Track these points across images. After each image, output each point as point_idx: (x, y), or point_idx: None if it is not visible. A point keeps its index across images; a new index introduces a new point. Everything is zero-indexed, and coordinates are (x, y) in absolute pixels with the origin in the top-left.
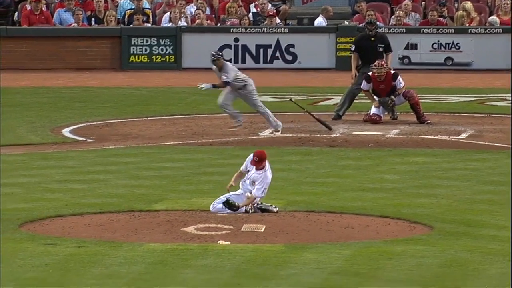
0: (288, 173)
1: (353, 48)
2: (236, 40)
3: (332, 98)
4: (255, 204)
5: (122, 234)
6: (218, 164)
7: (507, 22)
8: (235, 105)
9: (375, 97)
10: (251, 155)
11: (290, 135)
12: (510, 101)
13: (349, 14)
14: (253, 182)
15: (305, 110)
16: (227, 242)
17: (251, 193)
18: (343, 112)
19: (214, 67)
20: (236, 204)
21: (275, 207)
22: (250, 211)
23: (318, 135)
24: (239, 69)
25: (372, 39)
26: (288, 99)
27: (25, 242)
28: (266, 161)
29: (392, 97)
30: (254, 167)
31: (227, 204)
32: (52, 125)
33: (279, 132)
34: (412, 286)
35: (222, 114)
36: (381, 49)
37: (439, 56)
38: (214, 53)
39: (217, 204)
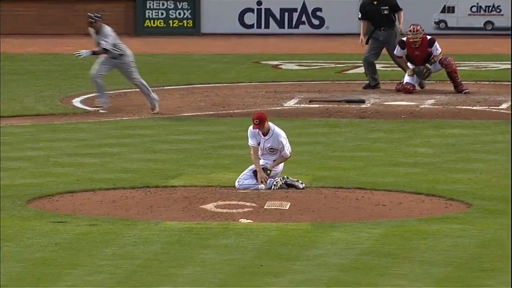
0: (315, 147)
1: (359, 16)
2: (259, 3)
3: (362, 66)
4: (281, 178)
5: (137, 211)
6: (240, 137)
7: None
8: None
9: (409, 64)
10: (250, 126)
11: (317, 105)
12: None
13: None
14: (271, 150)
15: (329, 100)
16: (249, 221)
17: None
18: (373, 79)
19: (91, 30)
20: (268, 168)
21: (302, 183)
22: (274, 187)
23: (347, 105)
24: (263, 34)
25: (375, 2)
26: (316, 67)
27: (33, 219)
28: (269, 122)
29: (428, 65)
30: (262, 135)
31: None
32: (62, 94)
33: (156, 110)
34: (447, 268)
35: (243, 83)
36: (386, 12)
37: (478, 20)
38: (91, 14)
39: (243, 180)
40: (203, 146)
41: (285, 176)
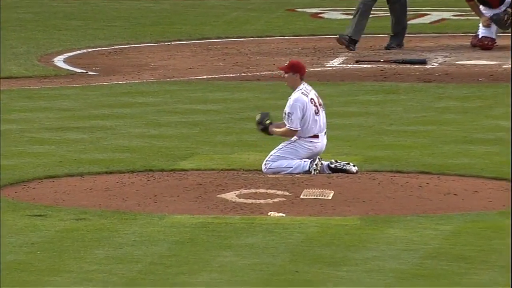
0: (366, 119)
1: None
2: None
3: (428, 14)
4: (327, 163)
5: (137, 202)
6: (269, 106)
7: None
8: None
9: (483, 9)
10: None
11: (369, 66)
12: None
13: None
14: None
15: (381, 60)
16: (281, 214)
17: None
18: (354, 33)
19: None
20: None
21: (354, 166)
22: (314, 172)
23: (408, 66)
24: None
25: None
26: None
27: (4, 212)
28: (303, 82)
29: (509, 9)
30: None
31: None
32: (40, 51)
33: None
34: None
35: (273, 36)
36: None
37: None
38: None
39: (271, 162)
40: (222, 118)
41: (333, 160)
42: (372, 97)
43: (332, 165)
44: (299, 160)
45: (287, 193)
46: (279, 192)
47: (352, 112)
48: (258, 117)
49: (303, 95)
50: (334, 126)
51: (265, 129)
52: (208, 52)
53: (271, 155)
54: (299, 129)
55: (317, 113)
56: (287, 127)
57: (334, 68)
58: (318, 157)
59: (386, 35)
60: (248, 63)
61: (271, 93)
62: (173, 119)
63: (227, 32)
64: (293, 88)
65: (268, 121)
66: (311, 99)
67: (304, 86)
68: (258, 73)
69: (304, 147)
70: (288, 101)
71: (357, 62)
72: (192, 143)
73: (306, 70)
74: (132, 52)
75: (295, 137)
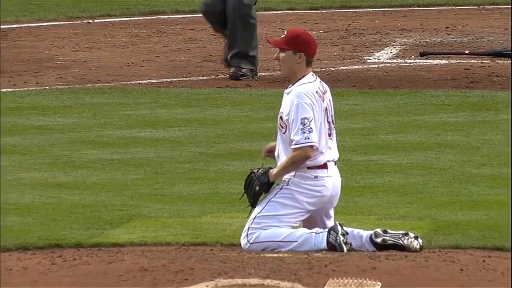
0: (439, 154)
1: None
2: None
3: None
4: (368, 234)
5: None
6: (261, 131)
7: None
8: None
9: None
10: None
11: (443, 61)
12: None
13: None
14: (280, 119)
15: (466, 52)
16: None
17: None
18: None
19: None
20: (272, 172)
21: (417, 238)
22: (346, 246)
23: (500, 61)
24: None
25: None
26: None
27: None
28: (309, 68)
29: None
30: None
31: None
32: None
33: None
34: None
35: (274, 10)
36: None
37: None
38: None
39: (255, 230)
40: (185, 153)
41: (380, 230)
42: (450, 116)
43: (378, 239)
44: (305, 230)
45: (299, 286)
46: (284, 285)
47: (413, 142)
48: (255, 184)
49: (310, 88)
50: (381, 166)
51: (268, 184)
52: (160, 37)
53: (254, 217)
54: (316, 143)
55: (329, 135)
56: (293, 147)
57: (381, 65)
58: (338, 222)
59: (466, 7)
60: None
61: (270, 108)
62: (98, 155)
63: (193, 2)
64: (292, 78)
65: (262, 173)
66: (325, 107)
67: (314, 80)
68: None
69: (305, 188)
70: (284, 100)
71: (422, 55)
72: (132, 198)
73: (333, 69)
74: (24, 37)
75: (289, 174)
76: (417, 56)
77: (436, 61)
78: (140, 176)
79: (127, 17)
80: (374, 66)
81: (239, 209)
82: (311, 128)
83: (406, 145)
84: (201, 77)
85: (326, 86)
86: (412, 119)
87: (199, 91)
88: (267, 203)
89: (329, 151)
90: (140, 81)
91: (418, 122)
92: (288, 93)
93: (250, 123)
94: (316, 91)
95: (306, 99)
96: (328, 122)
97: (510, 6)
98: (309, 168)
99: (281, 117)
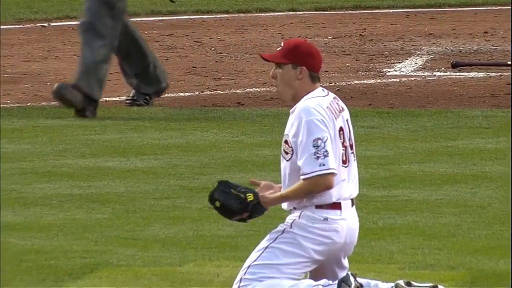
0: (475, 189)
1: None
2: None
3: None
4: (388, 287)
5: None
6: (255, 161)
7: None
8: None
9: None
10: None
11: (481, 74)
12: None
13: None
14: (285, 143)
15: (509, 62)
16: None
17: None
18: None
19: None
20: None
21: None
22: None
23: None
24: None
25: None
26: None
27: None
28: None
29: None
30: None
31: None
32: None
33: None
34: None
35: (272, 12)
36: None
37: None
38: None
39: (249, 281)
40: (161, 186)
41: (402, 283)
42: (489, 142)
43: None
44: (310, 282)
45: None
46: None
47: (444, 173)
48: (232, 202)
49: (319, 102)
50: (404, 203)
51: (256, 209)
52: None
53: (249, 265)
54: (335, 171)
55: (345, 162)
56: (304, 177)
57: (404, 79)
58: (351, 272)
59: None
60: (217, 68)
61: (267, 132)
62: (55, 190)
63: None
64: (294, 99)
65: (250, 195)
66: (339, 127)
67: (326, 95)
68: (240, 90)
69: (312, 232)
70: (290, 120)
71: (454, 66)
72: (98, 243)
73: (344, 84)
74: None
75: (293, 215)
76: (448, 67)
77: (472, 74)
78: (107, 216)
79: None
80: (395, 80)
81: (229, 256)
82: (326, 151)
83: (434, 177)
84: (182, 94)
85: (343, 104)
86: (442, 145)
87: (180, 110)
88: (265, 249)
89: (345, 185)
90: (107, 98)
91: (450, 149)
92: (293, 112)
93: (242, 150)
94: (327, 107)
95: (316, 114)
96: (345, 146)
97: None
98: (318, 207)
99: (285, 141)
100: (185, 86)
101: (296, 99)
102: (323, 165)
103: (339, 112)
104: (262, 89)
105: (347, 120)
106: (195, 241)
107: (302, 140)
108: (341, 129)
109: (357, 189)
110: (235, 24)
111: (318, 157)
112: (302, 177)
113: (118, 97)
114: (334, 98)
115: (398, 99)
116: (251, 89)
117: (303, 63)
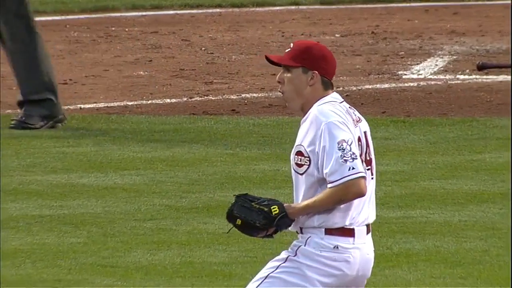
0: (508, 206)
1: None
2: None
3: None
4: None
5: None
6: (247, 175)
7: None
8: None
9: None
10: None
11: (503, 77)
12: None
13: None
14: (297, 154)
15: None
16: None
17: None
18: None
19: None
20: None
21: None
22: None
23: None
24: None
25: None
26: None
27: None
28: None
29: None
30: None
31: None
32: None
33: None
34: None
35: (273, 6)
36: None
37: None
38: None
39: None
40: (143, 204)
41: None
42: None
43: None
44: None
45: None
46: None
47: (468, 191)
48: (255, 218)
49: (336, 107)
50: (423, 226)
51: (283, 223)
52: (110, 42)
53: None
54: (364, 174)
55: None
56: (331, 185)
57: (422, 83)
58: None
59: None
60: (208, 70)
61: (265, 144)
62: (22, 210)
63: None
64: (303, 107)
65: (274, 208)
66: (358, 137)
67: (342, 101)
68: (234, 95)
69: (319, 262)
70: (302, 129)
71: (480, 68)
72: (71, 271)
73: (354, 88)
74: None
75: (298, 241)
76: (474, 70)
77: (501, 77)
78: (81, 240)
79: (63, 15)
80: (412, 84)
81: (222, 286)
82: (353, 153)
83: (458, 195)
84: (168, 100)
85: (359, 115)
86: (467, 159)
87: (166, 119)
88: (264, 279)
89: (360, 207)
90: (82, 106)
91: (475, 163)
92: (306, 120)
93: (236, 164)
94: (347, 111)
95: (336, 116)
96: (366, 159)
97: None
98: (328, 232)
99: (298, 152)
100: (172, 91)
101: (304, 109)
102: (353, 168)
103: (357, 122)
104: (259, 95)
105: (365, 133)
106: (183, 268)
107: (324, 145)
108: (359, 139)
109: (374, 213)
110: (229, 20)
111: (346, 160)
112: (329, 185)
113: (94, 104)
114: (349, 107)
115: (416, 106)
116: (247, 95)
117: (315, 67)
